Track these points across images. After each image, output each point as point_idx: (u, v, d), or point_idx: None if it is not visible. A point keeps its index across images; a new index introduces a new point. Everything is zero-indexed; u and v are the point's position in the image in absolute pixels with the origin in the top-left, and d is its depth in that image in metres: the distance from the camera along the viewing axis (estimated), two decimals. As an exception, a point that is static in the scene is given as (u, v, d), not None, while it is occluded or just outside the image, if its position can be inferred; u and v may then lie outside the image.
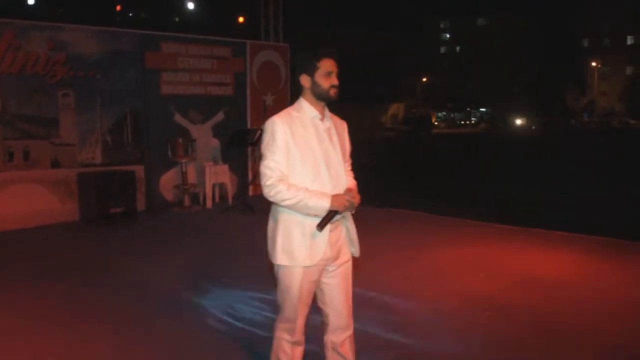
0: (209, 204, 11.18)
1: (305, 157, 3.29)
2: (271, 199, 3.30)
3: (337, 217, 3.36)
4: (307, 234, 3.31)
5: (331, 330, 3.58)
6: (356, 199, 3.39)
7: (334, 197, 3.27)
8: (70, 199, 9.85)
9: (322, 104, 3.42)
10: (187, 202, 10.99)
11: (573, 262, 7.12)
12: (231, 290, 6.13)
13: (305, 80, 3.37)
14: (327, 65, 3.34)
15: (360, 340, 4.65)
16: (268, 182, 3.25)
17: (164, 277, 6.62)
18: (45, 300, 5.88)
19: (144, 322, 5.28)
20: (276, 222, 3.40)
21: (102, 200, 9.47)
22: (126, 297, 5.96)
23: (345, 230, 3.53)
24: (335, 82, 3.36)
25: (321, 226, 3.25)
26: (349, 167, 3.63)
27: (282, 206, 3.30)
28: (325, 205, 3.24)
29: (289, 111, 3.40)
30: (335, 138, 3.46)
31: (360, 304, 5.49)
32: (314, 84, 3.35)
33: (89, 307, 5.66)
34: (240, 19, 29.58)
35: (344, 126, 3.62)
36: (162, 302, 5.82)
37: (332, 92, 3.35)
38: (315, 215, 3.27)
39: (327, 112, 3.49)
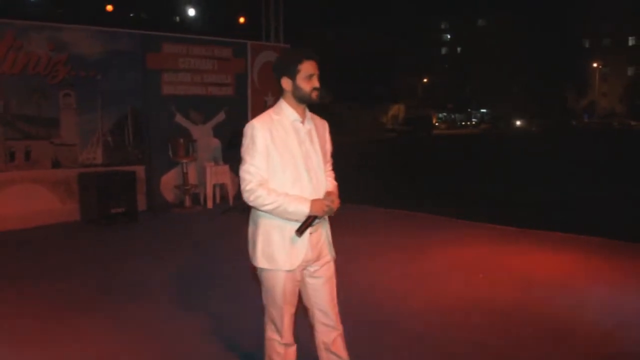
0: (209, 204, 11.19)
1: (285, 161, 3.28)
2: (251, 204, 3.30)
3: (317, 221, 3.35)
4: (287, 238, 3.32)
5: (320, 330, 3.59)
6: (335, 203, 3.38)
7: (314, 202, 3.27)
8: (71, 199, 9.87)
9: (303, 106, 3.41)
10: (187, 202, 11.00)
11: (573, 263, 7.12)
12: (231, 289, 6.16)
13: (286, 83, 3.35)
14: (308, 68, 3.31)
15: (361, 341, 4.69)
16: (248, 187, 3.25)
17: (165, 277, 6.64)
18: (46, 300, 5.89)
19: (145, 322, 5.30)
20: (256, 226, 3.41)
21: (103, 200, 9.49)
22: (127, 298, 5.97)
23: (324, 232, 3.54)
24: (316, 84, 3.33)
25: (300, 232, 3.25)
26: (330, 168, 3.63)
27: (262, 211, 3.30)
28: (304, 210, 3.24)
29: (269, 114, 3.39)
30: (316, 140, 3.45)
31: (360, 304, 5.52)
32: (296, 87, 3.33)
33: (90, 307, 5.67)
34: (241, 20, 29.59)
35: (325, 126, 3.62)
36: (163, 302, 5.84)
37: (314, 94, 3.33)
38: (295, 220, 3.27)
39: (308, 114, 3.47)
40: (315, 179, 3.37)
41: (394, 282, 6.40)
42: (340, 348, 3.60)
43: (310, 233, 3.36)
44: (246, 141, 3.30)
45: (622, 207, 11.12)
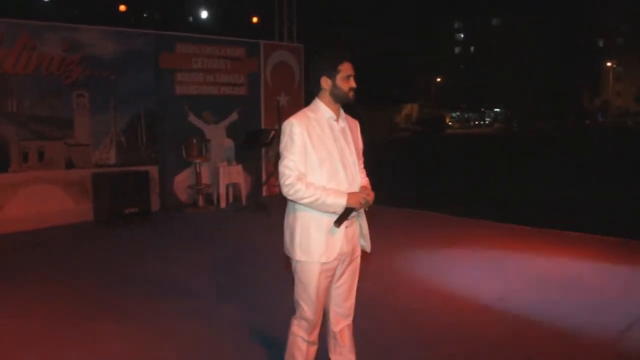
0: (222, 204, 11.18)
1: (322, 157, 3.37)
2: (290, 198, 3.38)
3: (354, 214, 3.46)
4: (324, 231, 3.40)
5: (331, 317, 3.72)
6: (371, 196, 3.48)
7: (350, 195, 3.36)
8: (84, 200, 9.88)
9: (337, 105, 3.51)
10: (201, 202, 10.99)
11: (588, 263, 7.04)
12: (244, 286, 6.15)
13: (325, 82, 3.45)
14: (346, 69, 3.44)
15: (376, 338, 4.66)
16: (287, 182, 3.32)
17: (179, 277, 6.63)
18: (61, 300, 5.89)
19: (160, 321, 5.29)
20: (294, 219, 3.48)
21: (116, 200, 9.50)
22: (141, 297, 5.96)
23: (358, 227, 3.63)
24: (353, 85, 3.47)
25: (339, 223, 3.35)
26: (362, 165, 3.72)
27: (301, 204, 3.38)
28: (342, 202, 3.32)
29: (306, 112, 3.47)
30: (349, 138, 3.56)
31: (371, 303, 5.49)
32: (335, 86, 3.44)
33: (104, 307, 5.67)
34: (254, 20, 29.65)
35: (357, 125, 3.73)
36: (178, 301, 5.82)
37: (351, 94, 3.46)
38: (333, 212, 3.35)
39: (342, 113, 3.58)
40: (350, 175, 3.47)
41: (405, 282, 6.37)
42: (346, 338, 3.76)
43: (346, 227, 3.46)
44: (285, 138, 3.39)
45: (636, 207, 11.02)
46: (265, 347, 4.64)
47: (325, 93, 3.47)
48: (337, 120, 3.50)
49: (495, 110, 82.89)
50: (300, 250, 3.43)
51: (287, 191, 3.33)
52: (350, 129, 3.60)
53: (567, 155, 25.33)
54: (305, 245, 3.41)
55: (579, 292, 5.96)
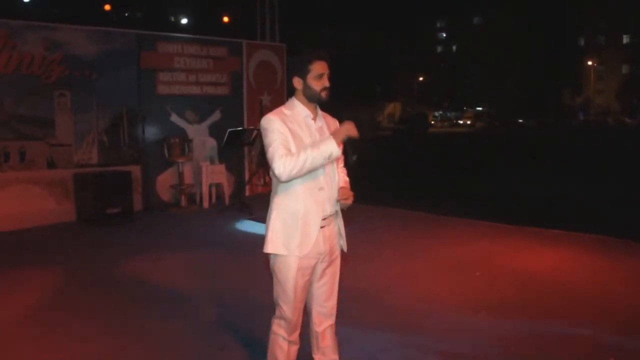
0: (205, 204, 11.17)
1: (299, 150, 3.33)
2: (285, 177, 3.24)
3: (354, 158, 3.40)
4: (300, 224, 3.39)
5: (314, 317, 3.72)
6: (349, 196, 3.50)
7: (334, 135, 3.33)
8: (66, 200, 9.83)
9: (313, 104, 3.50)
10: (183, 202, 10.97)
11: (568, 260, 7.13)
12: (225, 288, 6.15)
13: (297, 82, 3.45)
14: (318, 68, 3.40)
15: (357, 337, 4.68)
16: (274, 165, 3.24)
17: (160, 277, 6.62)
18: (41, 300, 5.87)
19: (140, 321, 5.28)
20: (272, 212, 3.48)
21: (98, 200, 9.46)
22: (123, 297, 5.96)
23: (336, 227, 3.63)
24: (326, 84, 3.43)
25: (357, 159, 3.34)
26: (342, 164, 3.73)
27: (298, 176, 3.29)
28: (331, 146, 3.27)
29: (282, 109, 3.46)
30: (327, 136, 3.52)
31: (356, 303, 5.51)
32: (306, 86, 3.42)
33: (86, 307, 5.65)
34: (236, 19, 29.57)
35: (336, 124, 3.68)
36: (158, 301, 5.82)
37: (323, 94, 3.43)
38: (328, 159, 3.29)
39: (319, 112, 3.58)
40: (328, 170, 3.48)
41: (390, 281, 6.40)
42: (328, 338, 3.76)
43: (322, 227, 3.44)
44: (266, 133, 3.35)
45: (615, 205, 11.13)
46: (248, 347, 4.65)
47: (299, 93, 3.46)
48: (314, 119, 3.49)
49: (478, 109, 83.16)
50: (278, 244, 3.42)
51: (280, 174, 3.23)
52: (329, 129, 3.57)
53: (549, 153, 25.47)
54: (282, 239, 3.41)
55: (560, 291, 6.03)
